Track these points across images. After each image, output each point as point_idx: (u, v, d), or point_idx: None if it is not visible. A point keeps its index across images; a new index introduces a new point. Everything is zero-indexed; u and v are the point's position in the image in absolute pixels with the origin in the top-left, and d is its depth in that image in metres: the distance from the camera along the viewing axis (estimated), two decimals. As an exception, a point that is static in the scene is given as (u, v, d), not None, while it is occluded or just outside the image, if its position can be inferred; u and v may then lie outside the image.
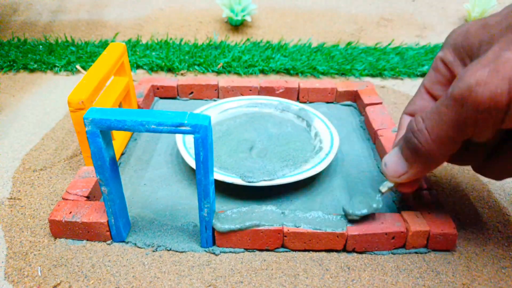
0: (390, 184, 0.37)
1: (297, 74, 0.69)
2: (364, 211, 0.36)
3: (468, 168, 0.49)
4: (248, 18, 0.78)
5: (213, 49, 0.71)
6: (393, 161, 0.35)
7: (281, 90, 0.60)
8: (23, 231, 0.39)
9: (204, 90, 0.61)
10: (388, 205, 0.42)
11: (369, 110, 0.55)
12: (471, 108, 0.28)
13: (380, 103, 0.56)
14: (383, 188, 0.37)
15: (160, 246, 0.37)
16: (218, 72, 0.69)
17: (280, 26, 0.82)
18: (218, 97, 0.61)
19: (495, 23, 0.30)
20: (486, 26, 0.31)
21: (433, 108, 0.30)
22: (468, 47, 0.32)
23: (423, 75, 0.70)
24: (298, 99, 0.61)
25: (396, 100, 0.62)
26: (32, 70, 0.70)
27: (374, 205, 0.37)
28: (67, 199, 0.39)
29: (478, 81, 0.27)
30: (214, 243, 0.37)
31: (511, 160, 0.33)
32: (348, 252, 0.37)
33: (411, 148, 0.33)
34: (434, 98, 0.36)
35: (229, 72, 0.69)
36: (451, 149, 0.31)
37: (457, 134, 0.30)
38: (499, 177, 0.35)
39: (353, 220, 0.37)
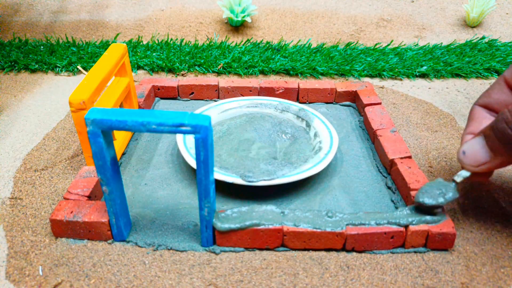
0: (466, 174, 0.37)
1: (296, 74, 0.69)
2: (432, 202, 0.36)
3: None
4: (248, 19, 0.78)
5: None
6: (475, 149, 0.35)
7: (281, 91, 0.60)
8: (24, 231, 0.39)
9: (205, 91, 0.61)
10: (387, 205, 0.43)
11: (368, 110, 0.55)
12: None
13: (379, 103, 0.56)
14: (458, 178, 0.37)
15: (160, 245, 0.37)
16: (219, 73, 0.70)
17: (280, 27, 0.82)
18: (218, 98, 0.61)
19: None
20: None
21: None
22: None
23: (422, 75, 0.70)
24: (297, 100, 0.61)
25: (395, 100, 0.63)
26: (33, 71, 0.70)
27: (450, 194, 0.36)
28: (68, 199, 0.40)
29: None
30: (214, 242, 0.38)
31: None
32: (348, 251, 0.38)
33: (503, 139, 0.32)
34: None
35: (229, 72, 0.69)
36: None
37: None
38: None
39: (424, 209, 0.37)
